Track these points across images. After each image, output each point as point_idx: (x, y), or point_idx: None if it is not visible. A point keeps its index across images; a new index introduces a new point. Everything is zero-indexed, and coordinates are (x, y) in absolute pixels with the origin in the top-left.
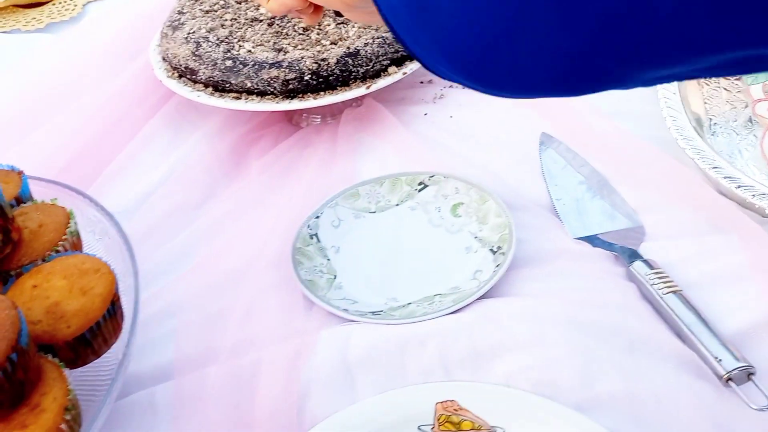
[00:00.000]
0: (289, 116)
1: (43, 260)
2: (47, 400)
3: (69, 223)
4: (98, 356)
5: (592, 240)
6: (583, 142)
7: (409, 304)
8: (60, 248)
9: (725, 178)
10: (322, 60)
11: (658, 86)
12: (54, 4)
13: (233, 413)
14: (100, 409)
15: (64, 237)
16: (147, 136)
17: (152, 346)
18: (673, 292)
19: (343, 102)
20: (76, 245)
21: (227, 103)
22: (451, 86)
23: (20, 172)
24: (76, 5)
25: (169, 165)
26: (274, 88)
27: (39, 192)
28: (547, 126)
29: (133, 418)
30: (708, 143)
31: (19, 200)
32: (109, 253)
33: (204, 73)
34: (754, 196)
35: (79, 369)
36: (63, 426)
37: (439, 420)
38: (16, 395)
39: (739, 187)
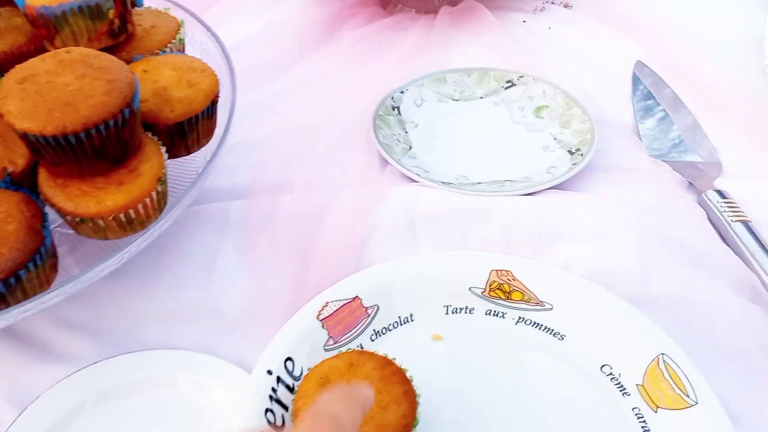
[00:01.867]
0: (384, 3)
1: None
2: (145, 167)
3: (179, 29)
4: (189, 153)
5: (670, 163)
6: (676, 75)
7: (479, 183)
8: (167, 50)
9: None
10: None
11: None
12: None
13: (298, 240)
14: (185, 193)
15: (172, 41)
16: None
17: (232, 170)
18: (742, 221)
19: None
20: (181, 51)
21: None
22: (552, 1)
23: None
24: None
25: (265, 22)
26: None
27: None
28: (644, 55)
29: (207, 223)
30: None
31: (134, 4)
32: None
33: None
34: None
35: (169, 161)
36: (153, 194)
37: (491, 285)
38: (120, 153)
39: None
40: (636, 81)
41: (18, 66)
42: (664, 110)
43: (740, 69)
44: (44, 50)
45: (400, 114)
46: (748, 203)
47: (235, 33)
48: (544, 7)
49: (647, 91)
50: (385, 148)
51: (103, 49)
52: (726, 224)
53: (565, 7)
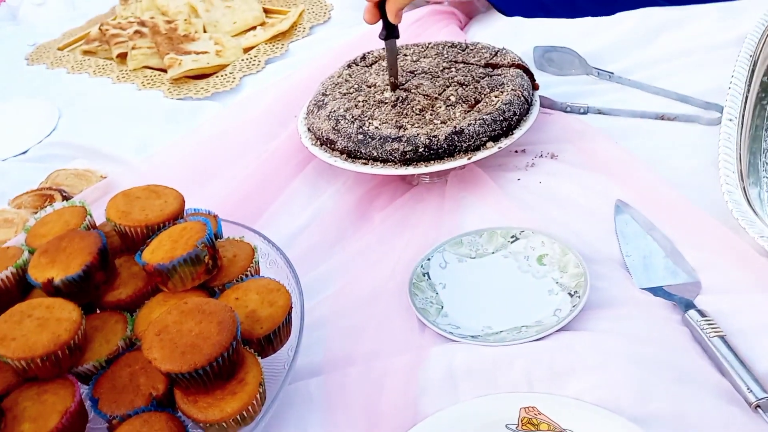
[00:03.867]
0: (404, 177)
1: (237, 281)
2: (249, 377)
3: (254, 255)
4: (275, 352)
5: (655, 291)
6: (652, 208)
7: (501, 331)
8: (248, 273)
9: None
10: (434, 136)
11: (720, 163)
12: (217, 77)
13: (367, 403)
14: (279, 389)
15: (251, 265)
16: (293, 190)
17: (306, 349)
18: (719, 336)
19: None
20: (257, 271)
21: (357, 167)
22: (540, 156)
23: (215, 216)
24: (235, 78)
25: (309, 213)
26: (395, 157)
27: (225, 228)
28: (622, 194)
29: (295, 400)
30: (759, 216)
31: (218, 237)
32: (278, 276)
33: (341, 143)
34: None
35: (261, 360)
36: (258, 396)
37: (522, 421)
38: (231, 371)
39: None
40: (618, 217)
41: (153, 320)
42: (645, 240)
43: (705, 193)
44: (158, 291)
45: (429, 278)
46: (724, 316)
47: (288, 226)
48: (534, 163)
49: (629, 226)
50: (422, 313)
51: (200, 284)
52: (706, 340)
53: (551, 158)
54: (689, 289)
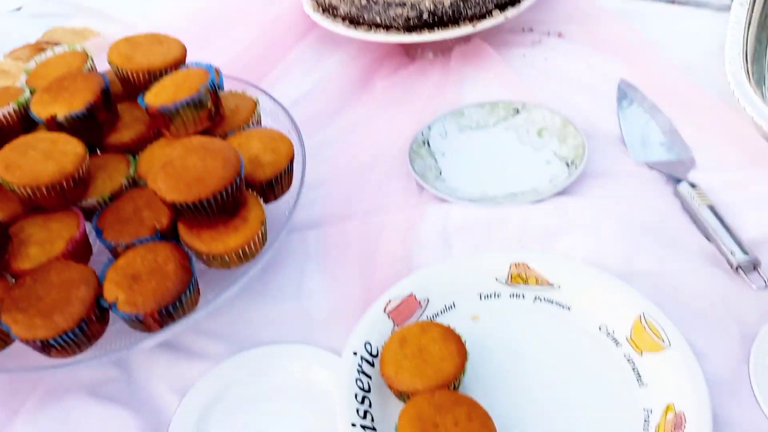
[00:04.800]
0: (407, 50)
1: (239, 131)
2: (251, 215)
3: (256, 107)
4: (276, 199)
5: (650, 165)
6: (655, 89)
7: (497, 196)
8: (250, 124)
9: None
10: (438, 2)
11: (727, 45)
12: None
13: (364, 256)
14: (281, 230)
15: (252, 116)
16: (295, 57)
17: (306, 205)
18: (707, 205)
19: (454, 40)
20: (259, 123)
21: (360, 34)
22: (547, 34)
23: (217, 69)
24: None
25: (311, 80)
26: (398, 23)
27: (227, 85)
28: (627, 74)
29: (294, 250)
30: (759, 95)
31: (220, 88)
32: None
33: (343, 8)
34: None
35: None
36: (259, 233)
37: (511, 276)
38: (234, 207)
39: None
40: (620, 96)
41: (156, 155)
42: (644, 117)
43: (709, 77)
44: (161, 135)
45: (429, 146)
46: (714, 191)
47: (291, 91)
48: (540, 40)
49: (630, 104)
50: (421, 176)
51: (203, 131)
52: (694, 208)
53: (558, 36)
54: (684, 164)
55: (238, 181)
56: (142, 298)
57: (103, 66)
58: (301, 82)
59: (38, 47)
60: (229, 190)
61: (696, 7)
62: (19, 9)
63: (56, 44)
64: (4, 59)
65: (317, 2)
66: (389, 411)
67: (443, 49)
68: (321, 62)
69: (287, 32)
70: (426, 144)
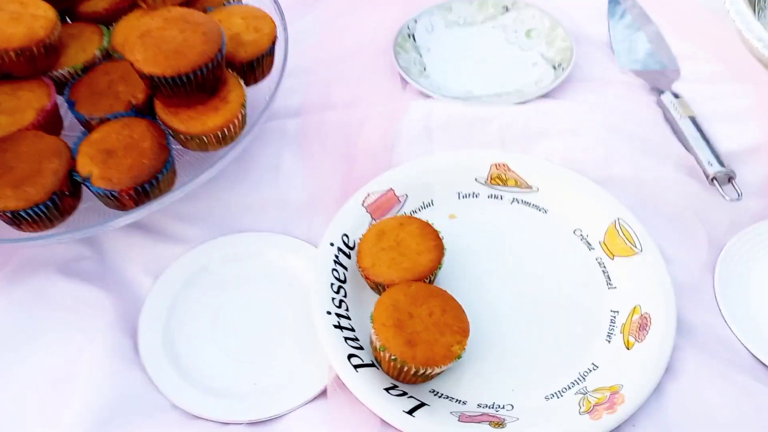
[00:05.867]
0: None
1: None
2: (232, 96)
3: None
4: (256, 82)
5: (636, 73)
6: None
7: (481, 96)
8: (231, 0)
9: (757, 39)
10: None
11: None
12: None
13: (343, 147)
14: (261, 113)
15: None
16: None
17: (286, 93)
18: (688, 116)
19: None
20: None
21: None
22: None
23: None
24: None
25: None
26: None
27: None
28: None
29: (273, 137)
30: (750, 9)
31: None
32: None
33: None
34: None
35: None
36: (239, 115)
37: (491, 176)
38: (214, 86)
39: (763, 47)
40: (611, 1)
41: (135, 24)
42: (634, 26)
43: None
44: (136, 6)
45: (415, 41)
46: (697, 102)
47: None
48: None
49: (620, 11)
50: (405, 71)
51: (182, 3)
52: (676, 118)
53: None
54: (669, 74)
55: (219, 57)
56: (117, 174)
57: None
58: None
59: None
60: (210, 66)
61: None
62: None
63: None
64: None
65: None
66: (364, 302)
67: None
68: None
69: None
70: (411, 38)
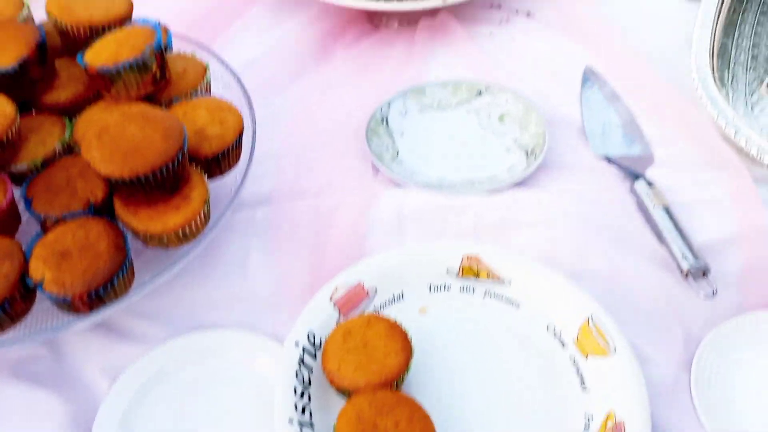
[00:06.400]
0: (371, 17)
1: (186, 97)
2: (194, 193)
3: (205, 72)
4: (222, 175)
5: (609, 159)
6: (620, 79)
7: (454, 183)
8: (198, 90)
9: (729, 126)
10: None
11: (694, 40)
12: None
13: (313, 238)
14: (225, 209)
15: (201, 82)
16: (252, 17)
17: (254, 179)
18: (662, 205)
19: (421, 12)
20: (208, 90)
21: None
22: (516, 12)
23: (165, 28)
24: None
25: (268, 43)
26: None
27: (176, 45)
28: (593, 60)
29: (240, 227)
30: (723, 94)
31: (167, 49)
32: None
33: None
34: (747, 143)
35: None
36: (201, 213)
37: (463, 268)
38: (175, 184)
39: (736, 134)
40: (585, 83)
41: (93, 120)
42: (607, 109)
43: (674, 70)
44: (100, 97)
45: (388, 125)
46: (671, 189)
47: (245, 53)
48: (508, 18)
49: (593, 93)
50: (378, 156)
51: (147, 95)
52: (650, 208)
53: (527, 16)
54: (642, 160)
55: (180, 156)
56: (70, 278)
57: (40, 15)
58: (256, 44)
59: None
60: (170, 166)
61: None
62: None
63: None
64: None
65: None
66: (330, 406)
67: (409, 19)
68: (278, 24)
69: None
70: (384, 122)
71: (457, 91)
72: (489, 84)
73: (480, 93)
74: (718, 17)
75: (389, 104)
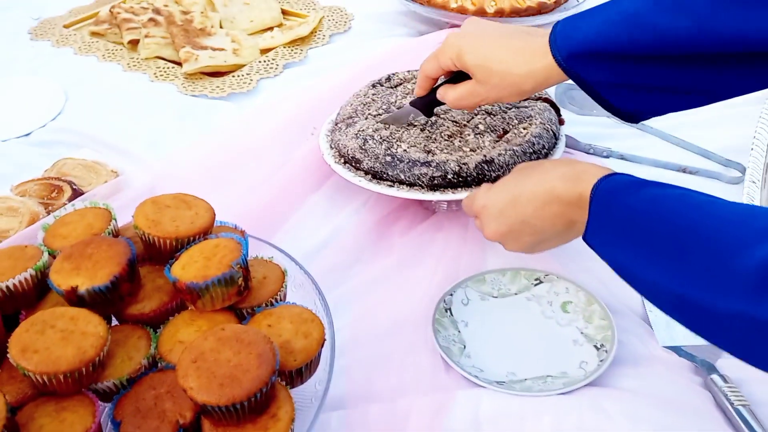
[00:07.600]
0: (423, 203)
1: (267, 305)
2: (281, 412)
3: (284, 278)
4: (303, 383)
5: (678, 350)
6: None
7: (526, 379)
8: (278, 297)
9: None
10: (464, 163)
11: None
12: (234, 76)
13: None
14: (310, 426)
15: (281, 289)
16: (312, 206)
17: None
18: (743, 405)
19: None
20: (285, 295)
21: (383, 189)
22: None
23: (243, 231)
24: (252, 80)
25: (328, 231)
26: (422, 181)
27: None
28: None
29: None
30: None
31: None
32: (304, 301)
33: (367, 163)
34: None
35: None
36: None
37: None
38: (265, 405)
39: None
40: None
41: (189, 346)
42: None
43: None
44: (184, 307)
45: (452, 315)
46: (744, 382)
47: (306, 244)
48: None
49: None
50: (446, 351)
51: (232, 304)
52: (730, 408)
53: None
54: (711, 350)
55: (273, 380)
56: None
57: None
58: (317, 233)
59: (47, 182)
60: (264, 390)
61: (707, 178)
62: (28, 134)
63: (67, 179)
64: (12, 192)
65: (339, 154)
66: None
67: (458, 202)
68: (336, 212)
69: (303, 180)
70: (448, 312)
71: (516, 278)
72: (547, 272)
73: (539, 281)
74: (761, 200)
75: (451, 294)
